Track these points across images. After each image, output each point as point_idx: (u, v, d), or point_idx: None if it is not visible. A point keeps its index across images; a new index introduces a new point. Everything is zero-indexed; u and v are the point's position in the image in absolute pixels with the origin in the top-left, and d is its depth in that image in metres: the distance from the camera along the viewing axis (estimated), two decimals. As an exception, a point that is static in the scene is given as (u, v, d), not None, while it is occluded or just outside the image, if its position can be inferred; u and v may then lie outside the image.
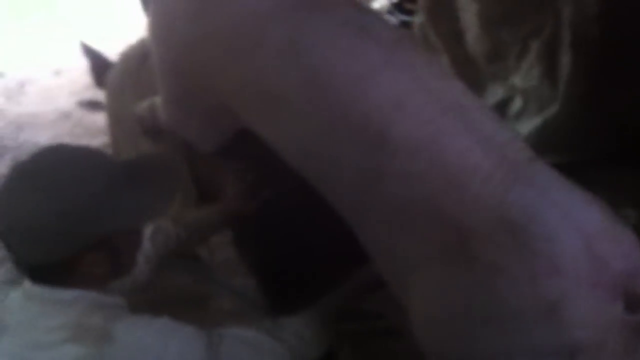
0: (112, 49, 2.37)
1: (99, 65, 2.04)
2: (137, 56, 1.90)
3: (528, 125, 2.15)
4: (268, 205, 1.56)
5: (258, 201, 1.57)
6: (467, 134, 1.06)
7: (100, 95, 2.88)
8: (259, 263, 1.69)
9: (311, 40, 1.18)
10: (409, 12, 3.24)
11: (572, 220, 1.00)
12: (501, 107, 2.26)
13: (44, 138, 3.44)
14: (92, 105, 3.56)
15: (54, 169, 1.10)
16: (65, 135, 3.48)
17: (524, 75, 2.20)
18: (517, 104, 2.25)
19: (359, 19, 1.20)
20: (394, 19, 3.38)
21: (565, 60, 2.05)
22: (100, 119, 3.48)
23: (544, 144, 1.95)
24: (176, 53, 1.38)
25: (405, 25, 3.20)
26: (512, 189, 1.01)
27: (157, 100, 1.60)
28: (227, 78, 1.30)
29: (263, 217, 1.57)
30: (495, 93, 2.32)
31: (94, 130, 3.39)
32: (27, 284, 1.11)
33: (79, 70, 3.64)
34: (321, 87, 1.15)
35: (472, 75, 2.31)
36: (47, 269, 1.08)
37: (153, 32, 1.46)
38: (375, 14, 1.23)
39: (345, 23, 1.18)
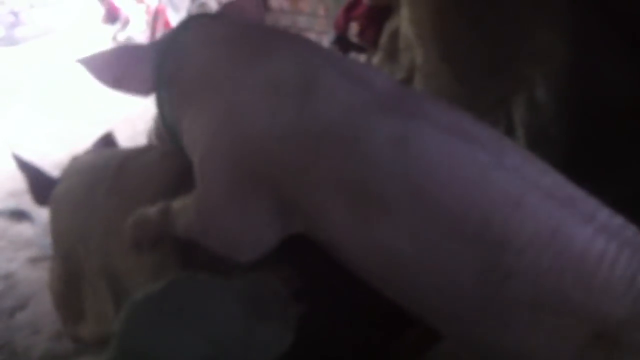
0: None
1: (40, 183, 1.90)
2: (108, 166, 1.78)
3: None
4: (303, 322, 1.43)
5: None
6: (586, 224, 1.10)
7: (25, 203, 2.70)
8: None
9: (419, 144, 1.18)
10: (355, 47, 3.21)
11: None
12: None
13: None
14: (17, 215, 3.32)
15: (190, 303, 1.02)
16: (-15, 248, 3.21)
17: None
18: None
19: (461, 124, 1.23)
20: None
21: (523, 159, 2.05)
22: (26, 230, 3.26)
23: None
24: (244, 149, 1.33)
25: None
26: (638, 271, 1.04)
27: (176, 205, 1.49)
28: (312, 175, 1.26)
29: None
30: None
31: (19, 244, 3.16)
32: None
33: (2, 175, 3.44)
34: (432, 193, 1.15)
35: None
36: None
37: (211, 127, 1.40)
38: (471, 117, 1.25)
39: (450, 128, 1.20)
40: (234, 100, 1.38)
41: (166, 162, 1.71)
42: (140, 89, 1.61)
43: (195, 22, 1.62)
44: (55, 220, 1.91)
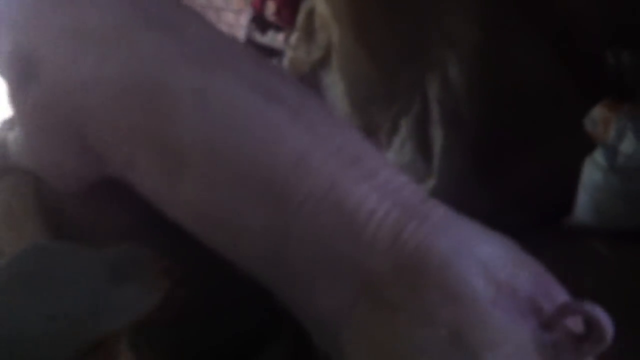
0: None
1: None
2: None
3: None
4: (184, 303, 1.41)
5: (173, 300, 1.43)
6: (364, 183, 1.12)
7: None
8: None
9: (219, 98, 1.18)
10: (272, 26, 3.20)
11: (465, 248, 1.05)
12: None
13: None
14: None
15: (41, 270, 1.02)
16: None
17: (397, 151, 2.24)
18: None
19: (266, 80, 1.22)
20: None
21: (437, 134, 2.13)
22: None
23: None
24: (49, 92, 1.29)
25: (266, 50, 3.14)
26: (405, 228, 1.06)
27: (10, 135, 1.48)
28: (114, 128, 1.24)
29: (176, 316, 1.42)
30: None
31: None
32: None
33: None
34: (225, 146, 1.16)
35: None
36: None
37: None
38: (282, 73, 1.26)
39: (253, 84, 1.20)
40: (38, 42, 1.33)
41: None
42: None
43: None
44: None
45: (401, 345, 1.03)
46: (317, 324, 1.19)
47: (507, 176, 2.01)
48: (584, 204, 2.02)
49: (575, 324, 1.00)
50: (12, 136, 1.50)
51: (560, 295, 1.04)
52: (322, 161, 1.14)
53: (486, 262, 1.02)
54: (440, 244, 1.04)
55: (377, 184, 1.12)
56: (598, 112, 2.03)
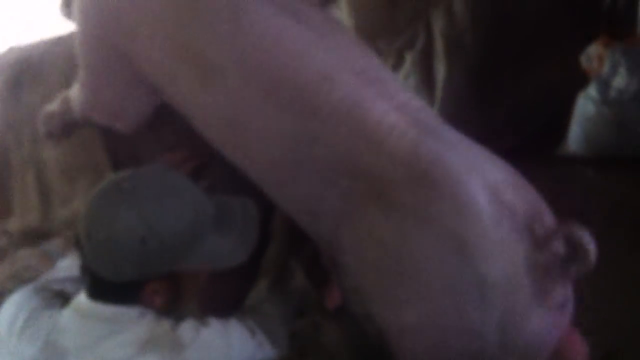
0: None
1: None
2: (32, 56, 1.83)
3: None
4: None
5: None
6: (385, 102, 1.22)
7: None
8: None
9: (252, 16, 1.29)
10: None
11: (476, 168, 1.14)
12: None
13: None
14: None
15: (157, 189, 1.12)
16: None
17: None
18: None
19: (293, 6, 1.33)
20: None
21: (441, 67, 2.23)
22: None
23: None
24: (99, 21, 1.40)
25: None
26: (423, 143, 1.16)
27: (71, 91, 1.58)
28: (156, 43, 1.34)
29: None
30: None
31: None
32: (84, 303, 1.09)
33: None
34: (259, 61, 1.27)
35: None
36: (117, 287, 1.08)
37: (77, 4, 1.47)
38: (306, 2, 1.35)
39: (283, 8, 1.32)
40: None
41: None
42: None
43: None
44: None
45: (407, 247, 1.14)
46: (314, 222, 1.30)
47: (504, 102, 2.14)
48: (576, 134, 2.15)
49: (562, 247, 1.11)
50: (74, 89, 1.56)
51: (550, 219, 1.14)
52: (347, 80, 1.24)
53: (494, 184, 1.11)
54: (456, 162, 1.13)
55: (397, 104, 1.21)
56: (593, 49, 2.14)
